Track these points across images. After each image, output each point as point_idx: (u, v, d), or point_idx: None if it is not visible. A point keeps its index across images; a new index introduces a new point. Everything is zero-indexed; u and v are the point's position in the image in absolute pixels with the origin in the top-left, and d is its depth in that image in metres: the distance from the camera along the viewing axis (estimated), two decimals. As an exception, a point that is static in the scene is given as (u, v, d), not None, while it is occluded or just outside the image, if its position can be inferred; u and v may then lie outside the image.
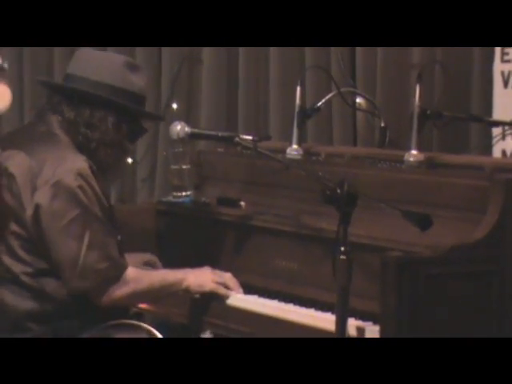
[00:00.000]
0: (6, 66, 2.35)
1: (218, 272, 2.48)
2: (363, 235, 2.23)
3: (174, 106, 3.55)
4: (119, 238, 2.39)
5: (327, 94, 2.86)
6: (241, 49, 3.62)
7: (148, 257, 2.67)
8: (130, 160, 3.64)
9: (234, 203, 2.71)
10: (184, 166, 2.86)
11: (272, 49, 3.54)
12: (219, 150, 2.99)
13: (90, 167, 2.31)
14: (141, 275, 2.41)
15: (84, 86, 2.38)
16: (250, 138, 2.55)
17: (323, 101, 2.73)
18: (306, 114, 2.66)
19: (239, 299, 2.44)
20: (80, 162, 2.31)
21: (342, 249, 1.95)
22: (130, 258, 2.48)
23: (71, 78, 2.44)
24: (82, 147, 2.36)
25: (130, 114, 2.44)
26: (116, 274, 2.31)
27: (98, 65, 2.43)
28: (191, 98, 3.73)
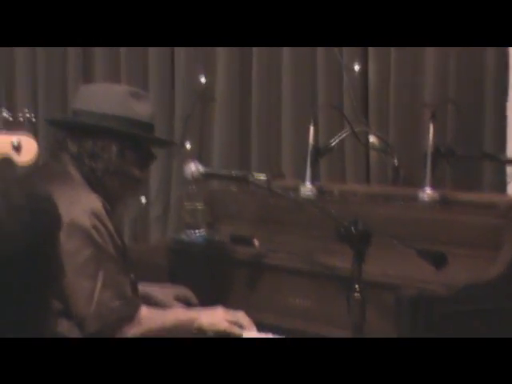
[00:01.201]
0: (33, 119, 2.38)
1: (230, 310, 2.47)
2: (377, 273, 2.22)
3: (187, 144, 3.57)
4: (132, 276, 2.40)
5: (339, 131, 2.88)
6: (254, 87, 3.65)
7: (182, 291, 2.67)
8: (143, 199, 3.67)
9: (247, 241, 2.71)
10: (197, 205, 2.87)
11: (284, 87, 3.57)
12: (232, 188, 3.00)
13: (104, 206, 2.32)
14: (154, 314, 2.40)
15: (85, 119, 2.41)
16: (263, 176, 2.56)
17: (337, 140, 2.74)
18: (319, 152, 2.67)
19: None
20: (93, 202, 2.32)
21: (356, 287, 1.95)
22: (162, 290, 2.48)
23: (74, 113, 2.47)
24: (89, 179, 2.37)
25: (133, 141, 2.44)
26: (129, 312, 2.31)
27: (100, 96, 2.45)
28: (204, 137, 3.76)
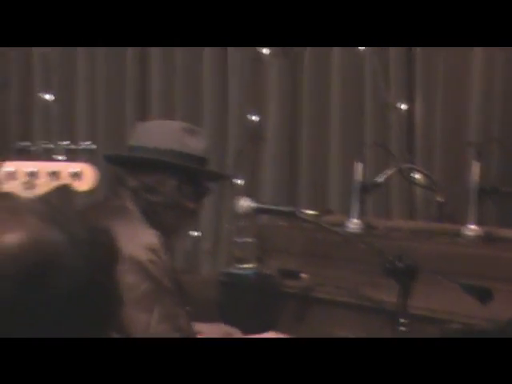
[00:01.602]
0: (93, 146, 2.44)
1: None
2: (422, 307, 2.25)
3: (238, 180, 3.62)
4: (188, 309, 2.44)
5: (385, 168, 2.92)
6: (303, 125, 3.72)
7: (230, 329, 2.70)
8: (195, 233, 3.75)
9: (295, 275, 2.76)
10: (247, 239, 2.93)
11: (332, 125, 3.63)
12: (281, 223, 3.04)
13: (160, 240, 2.36)
14: None
15: (142, 154, 2.46)
16: (312, 212, 2.62)
17: (383, 177, 2.78)
18: (366, 189, 2.72)
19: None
20: (150, 237, 2.36)
21: (402, 320, 1.97)
22: (211, 328, 2.53)
23: (132, 149, 2.52)
24: (147, 213, 2.42)
25: (188, 175, 2.48)
26: None
27: (156, 132, 2.51)
28: (254, 172, 3.83)
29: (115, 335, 2.10)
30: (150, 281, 2.32)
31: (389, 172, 2.87)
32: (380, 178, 2.77)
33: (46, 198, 2.20)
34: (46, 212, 1.33)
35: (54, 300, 1.28)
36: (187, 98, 3.97)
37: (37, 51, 4.13)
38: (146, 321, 2.31)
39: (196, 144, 2.49)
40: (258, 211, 2.66)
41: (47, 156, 2.37)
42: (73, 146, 2.42)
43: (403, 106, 3.47)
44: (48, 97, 4.12)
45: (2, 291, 1.24)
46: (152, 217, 2.43)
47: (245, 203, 2.60)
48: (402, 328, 1.97)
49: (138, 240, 2.33)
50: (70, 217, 1.36)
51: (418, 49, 3.45)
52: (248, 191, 3.44)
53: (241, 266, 2.94)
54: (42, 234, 1.28)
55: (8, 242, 1.25)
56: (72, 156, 2.37)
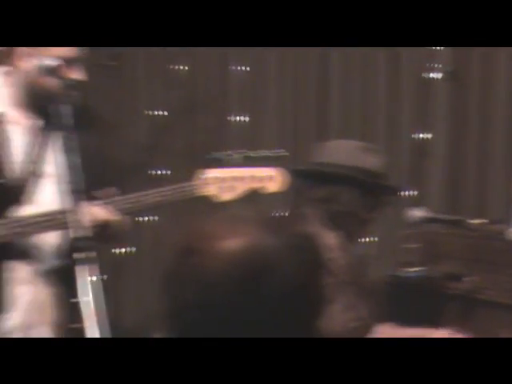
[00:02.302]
0: (286, 153, 2.78)
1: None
2: None
3: (411, 191, 3.88)
4: (369, 301, 2.73)
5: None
6: (468, 141, 3.96)
7: (398, 328, 2.83)
8: (368, 239, 4.04)
9: (458, 278, 2.94)
10: (413, 245, 3.17)
11: (497, 136, 3.91)
12: (445, 230, 3.17)
13: (339, 241, 2.64)
14: (391, 330, 2.70)
15: (325, 169, 2.74)
16: (478, 221, 2.85)
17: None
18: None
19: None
20: (329, 238, 2.64)
21: None
22: (382, 327, 2.76)
23: (316, 164, 2.78)
24: (325, 220, 2.68)
25: (367, 188, 2.73)
26: (365, 333, 2.61)
27: (339, 150, 2.78)
28: (421, 185, 4.08)
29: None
30: (329, 276, 2.53)
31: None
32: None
33: (256, 206, 2.52)
34: (260, 220, 1.47)
35: (266, 301, 1.36)
36: (364, 118, 4.30)
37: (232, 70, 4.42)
38: (330, 311, 2.50)
39: (374, 161, 2.75)
40: (429, 220, 2.90)
41: (244, 163, 2.72)
42: (267, 153, 2.76)
43: None
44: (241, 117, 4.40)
45: (225, 293, 1.34)
46: (330, 223, 2.69)
47: (417, 213, 2.85)
48: None
49: (321, 241, 2.60)
50: (281, 224, 1.50)
51: None
52: (419, 202, 3.68)
53: (408, 269, 3.16)
54: (259, 241, 1.38)
55: (230, 247, 1.36)
56: (264, 163, 2.71)
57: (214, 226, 1.42)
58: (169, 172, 4.11)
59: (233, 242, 1.36)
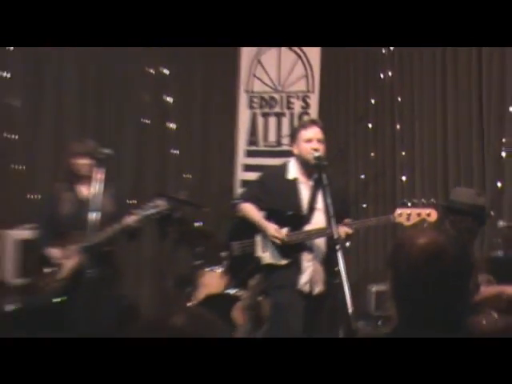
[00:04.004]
0: (434, 201, 4.65)
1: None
2: None
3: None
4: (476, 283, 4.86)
5: None
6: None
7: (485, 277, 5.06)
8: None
9: None
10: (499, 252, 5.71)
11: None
12: None
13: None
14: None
15: (457, 206, 5.06)
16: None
17: None
18: None
19: None
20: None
21: None
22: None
23: (451, 202, 5.12)
24: (455, 235, 4.98)
25: (481, 218, 4.99)
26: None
27: (464, 193, 5.10)
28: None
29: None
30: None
31: None
32: None
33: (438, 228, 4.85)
34: (443, 231, 3.70)
35: (440, 282, 2.10)
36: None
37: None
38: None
39: (484, 200, 5.09)
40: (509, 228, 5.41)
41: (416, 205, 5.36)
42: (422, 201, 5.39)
43: None
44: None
45: (421, 270, 2.12)
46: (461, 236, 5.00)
47: (500, 223, 5.33)
48: None
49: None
50: (451, 235, 3.65)
51: None
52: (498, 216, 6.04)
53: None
54: (438, 238, 2.25)
55: (423, 241, 2.20)
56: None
57: (413, 232, 2.40)
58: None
59: (424, 239, 2.22)
